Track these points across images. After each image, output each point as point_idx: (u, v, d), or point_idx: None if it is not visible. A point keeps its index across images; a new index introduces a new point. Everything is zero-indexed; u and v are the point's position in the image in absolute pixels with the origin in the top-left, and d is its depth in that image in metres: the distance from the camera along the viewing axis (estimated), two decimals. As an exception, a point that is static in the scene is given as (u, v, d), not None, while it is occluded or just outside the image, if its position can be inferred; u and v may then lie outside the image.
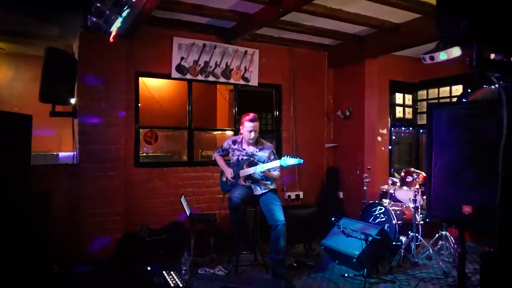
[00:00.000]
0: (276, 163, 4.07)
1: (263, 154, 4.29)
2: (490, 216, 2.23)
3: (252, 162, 4.27)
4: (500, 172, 2.08)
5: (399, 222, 4.77)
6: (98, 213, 4.75)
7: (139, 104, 5.28)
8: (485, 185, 2.56)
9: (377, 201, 5.18)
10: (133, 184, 5.10)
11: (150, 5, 4.04)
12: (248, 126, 4.22)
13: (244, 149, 4.35)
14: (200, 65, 5.53)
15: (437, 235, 4.90)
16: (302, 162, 3.99)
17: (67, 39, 5.18)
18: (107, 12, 3.67)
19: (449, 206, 2.77)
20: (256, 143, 4.34)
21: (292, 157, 3.97)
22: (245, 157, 4.32)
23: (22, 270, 3.39)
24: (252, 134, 4.22)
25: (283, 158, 4.01)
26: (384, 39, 5.52)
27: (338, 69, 6.69)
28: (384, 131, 6.40)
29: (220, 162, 4.54)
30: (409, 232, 4.75)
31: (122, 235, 4.77)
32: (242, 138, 4.39)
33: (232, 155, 4.44)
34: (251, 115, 4.24)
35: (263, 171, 4.15)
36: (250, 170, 4.20)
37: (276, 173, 4.23)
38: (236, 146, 4.40)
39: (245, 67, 5.87)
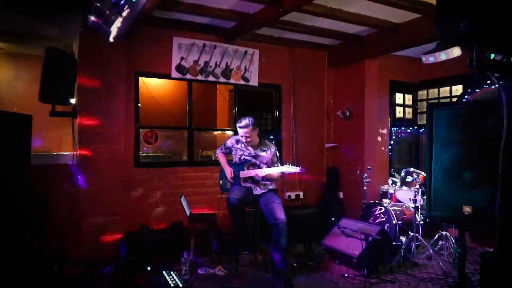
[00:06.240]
0: (278, 170, 4.08)
1: (267, 155, 4.28)
2: (490, 216, 2.23)
3: (254, 164, 4.27)
4: (500, 172, 2.08)
5: (399, 222, 4.77)
6: (98, 213, 4.75)
7: (139, 104, 5.28)
8: (485, 185, 2.56)
9: (377, 201, 5.17)
10: (133, 184, 5.10)
11: (150, 5, 4.04)
12: (239, 132, 4.24)
13: (248, 149, 4.34)
14: (200, 65, 5.53)
15: (437, 235, 4.90)
16: (303, 172, 4.02)
17: (67, 39, 5.18)
18: (107, 12, 3.67)
19: (449, 206, 2.78)
20: (259, 144, 4.33)
21: (294, 166, 4.00)
22: (247, 157, 4.32)
23: (22, 270, 3.39)
24: (245, 139, 4.23)
25: (285, 165, 4.04)
26: (384, 39, 5.52)
27: (338, 69, 6.69)
28: (384, 131, 6.40)
29: (222, 160, 4.53)
30: (409, 232, 4.75)
31: (122, 235, 4.77)
32: None
33: (235, 154, 4.44)
34: (243, 121, 4.17)
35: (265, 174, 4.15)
36: (252, 173, 4.19)
37: (276, 174, 4.22)
38: (239, 146, 4.40)
39: (245, 67, 5.87)
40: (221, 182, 4.59)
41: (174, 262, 4.36)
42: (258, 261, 4.62)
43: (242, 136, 4.23)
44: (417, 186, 4.80)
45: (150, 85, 6.02)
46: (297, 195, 6.33)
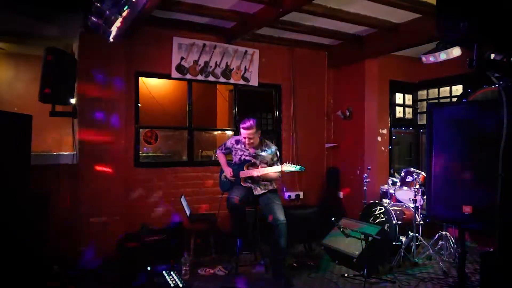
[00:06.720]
0: (278, 169, 4.07)
1: (267, 155, 4.27)
2: (490, 216, 2.24)
3: (253, 164, 4.27)
4: (500, 172, 2.08)
5: (399, 222, 4.77)
6: (98, 213, 4.75)
7: (139, 104, 5.28)
8: (485, 185, 2.56)
9: (377, 201, 5.17)
10: (133, 184, 5.10)
11: (150, 5, 4.04)
12: (243, 133, 4.22)
13: (248, 150, 4.34)
14: (200, 65, 5.52)
15: (437, 235, 4.89)
16: (303, 170, 4.01)
17: (67, 39, 5.18)
18: (107, 12, 3.66)
19: (449, 206, 2.78)
20: (260, 144, 4.33)
21: (294, 165, 3.99)
22: (248, 157, 4.31)
23: (22, 270, 3.39)
24: (247, 140, 4.21)
25: (285, 164, 4.02)
26: (384, 39, 5.52)
27: (338, 69, 6.68)
28: (384, 131, 6.40)
29: (222, 160, 4.53)
30: (409, 232, 4.75)
31: (122, 235, 4.77)
32: None
33: (235, 155, 4.43)
34: (247, 123, 4.16)
35: (264, 173, 4.15)
36: (251, 172, 4.19)
37: (276, 174, 4.22)
38: (239, 146, 4.39)
39: (245, 67, 5.86)
40: (221, 182, 4.58)
41: (174, 262, 4.36)
42: (258, 261, 4.62)
43: (244, 138, 4.21)
44: (417, 186, 4.79)
45: (150, 85, 6.02)
46: (297, 195, 6.32)
